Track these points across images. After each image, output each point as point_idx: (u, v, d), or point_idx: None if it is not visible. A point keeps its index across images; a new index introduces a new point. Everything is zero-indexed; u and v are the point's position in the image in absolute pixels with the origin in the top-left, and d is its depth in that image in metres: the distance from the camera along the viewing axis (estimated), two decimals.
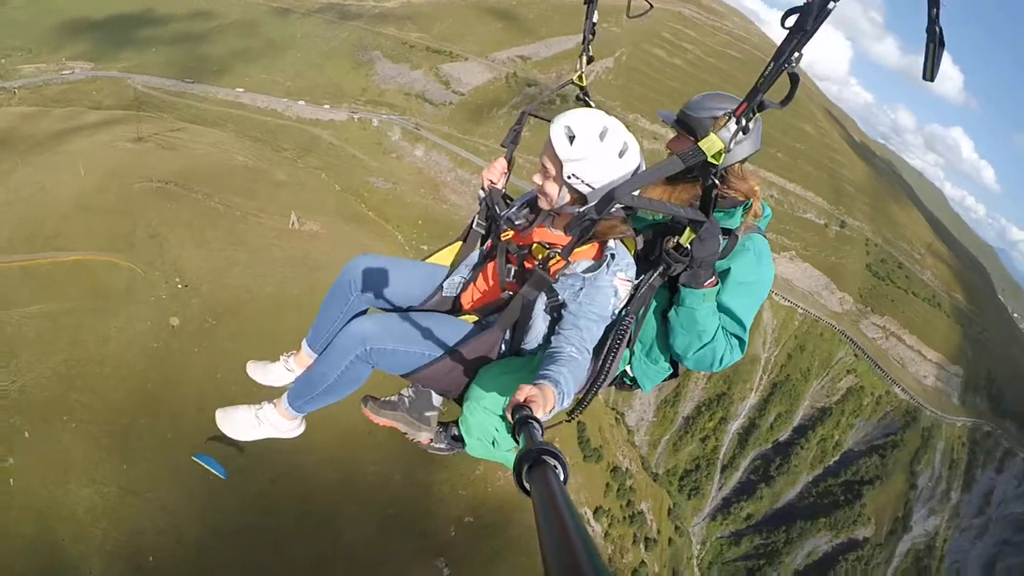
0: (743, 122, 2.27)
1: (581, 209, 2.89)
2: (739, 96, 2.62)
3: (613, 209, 2.75)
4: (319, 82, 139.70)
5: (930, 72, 1.97)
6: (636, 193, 2.75)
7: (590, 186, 2.86)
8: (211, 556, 40.28)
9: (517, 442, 1.75)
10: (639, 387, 3.51)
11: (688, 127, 3.11)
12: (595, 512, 68.91)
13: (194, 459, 39.21)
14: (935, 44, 1.93)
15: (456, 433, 3.46)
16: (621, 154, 2.84)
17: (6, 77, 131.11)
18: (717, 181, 2.47)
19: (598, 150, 2.81)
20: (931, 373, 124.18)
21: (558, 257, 2.85)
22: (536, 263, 2.93)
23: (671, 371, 3.42)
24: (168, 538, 39.95)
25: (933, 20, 1.92)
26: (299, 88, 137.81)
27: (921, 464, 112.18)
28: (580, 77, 3.54)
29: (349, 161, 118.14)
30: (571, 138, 2.82)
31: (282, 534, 43.00)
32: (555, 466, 1.32)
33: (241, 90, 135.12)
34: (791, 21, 2.03)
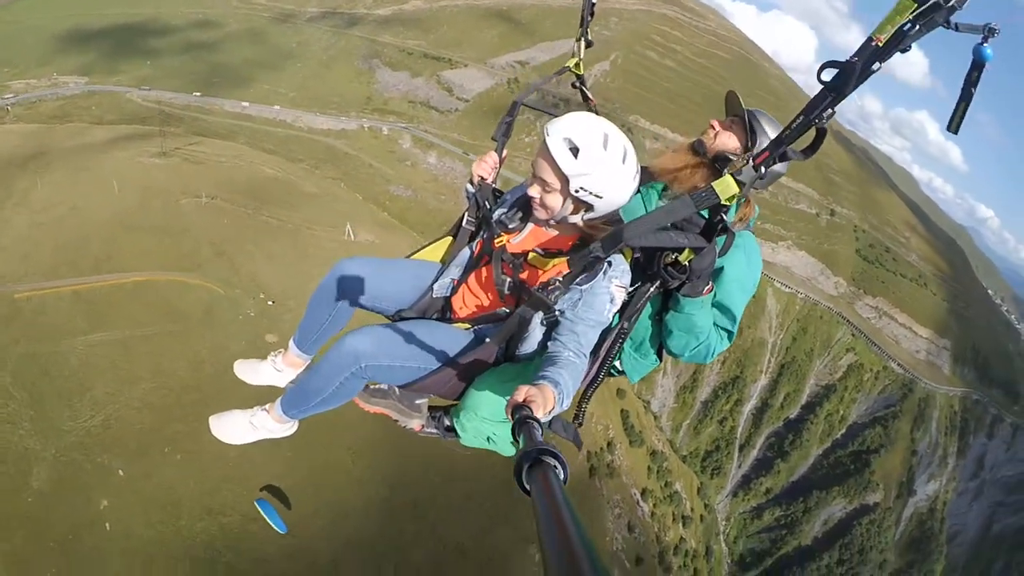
0: (762, 170, 2.26)
1: (598, 211, 2.84)
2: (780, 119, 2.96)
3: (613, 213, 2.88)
4: (322, 92, 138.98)
5: (956, 127, 1.95)
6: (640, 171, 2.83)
7: (599, 196, 2.76)
8: (346, 570, 39.38)
9: (517, 442, 1.71)
10: (625, 377, 3.50)
11: (751, 127, 3.12)
12: (642, 493, 71.98)
13: (256, 505, 37.57)
14: (967, 103, 1.92)
15: (448, 424, 3.40)
16: (624, 159, 2.75)
17: None
18: (725, 219, 2.45)
19: (603, 160, 2.71)
20: (922, 348, 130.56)
21: (558, 284, 2.68)
22: (536, 287, 2.83)
23: (658, 363, 3.42)
24: (299, 563, 38.16)
25: (972, 83, 1.90)
26: (303, 99, 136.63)
27: (919, 432, 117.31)
28: (578, 65, 3.47)
29: (366, 170, 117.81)
30: (574, 150, 2.71)
31: (403, 542, 42.78)
32: (555, 466, 1.31)
33: (246, 104, 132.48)
34: (828, 75, 1.99)
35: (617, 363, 3.35)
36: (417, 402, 3.39)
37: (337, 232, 70.72)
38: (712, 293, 3.01)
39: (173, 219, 59.41)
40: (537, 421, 1.79)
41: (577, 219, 2.91)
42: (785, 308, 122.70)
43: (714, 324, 3.10)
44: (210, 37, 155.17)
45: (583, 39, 3.38)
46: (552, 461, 1.31)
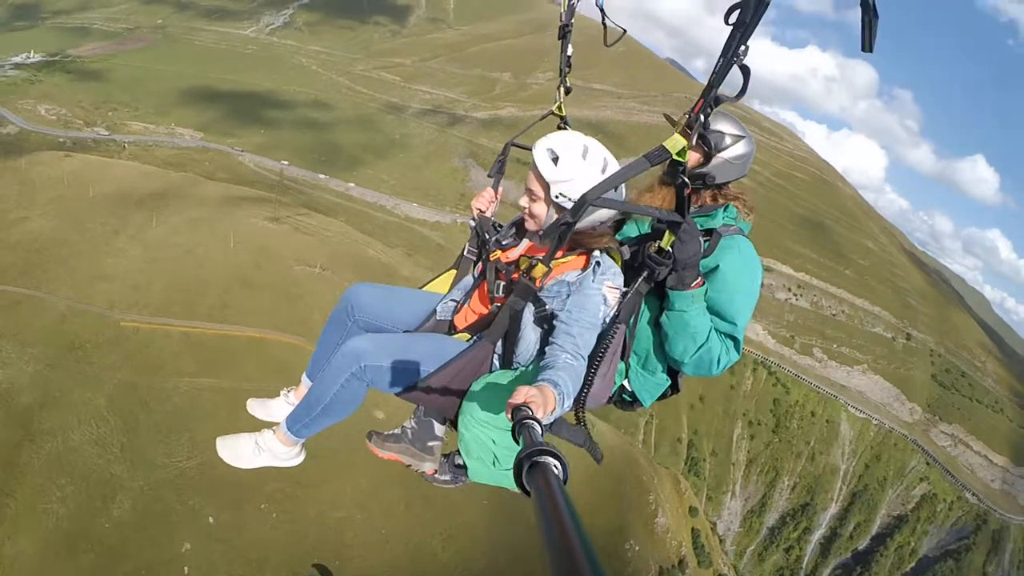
0: (701, 118, 2.36)
1: (557, 218, 2.89)
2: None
3: (601, 222, 2.99)
4: (421, 183, 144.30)
5: (868, 43, 1.96)
6: (625, 197, 2.93)
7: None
8: None
9: (517, 443, 1.69)
10: (639, 403, 3.40)
11: (700, 135, 2.97)
12: None
13: None
14: (870, 16, 1.92)
15: (459, 461, 3.42)
16: (603, 170, 2.83)
17: (115, 130, 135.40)
18: (687, 180, 2.50)
19: (582, 168, 2.81)
20: (998, 476, 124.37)
21: (540, 264, 2.79)
22: (520, 274, 2.92)
23: (669, 382, 3.36)
24: None
25: None
26: (403, 187, 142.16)
27: (992, 565, 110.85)
28: (560, 108, 3.63)
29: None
30: (555, 159, 2.85)
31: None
32: (555, 466, 1.28)
33: (352, 185, 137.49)
34: (734, 17, 2.09)
35: (626, 383, 3.29)
36: (429, 444, 3.42)
37: None
38: (703, 290, 2.97)
39: (288, 283, 59.04)
40: (538, 422, 1.80)
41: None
42: (859, 434, 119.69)
43: (716, 331, 3.05)
44: (322, 117, 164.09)
45: (562, 86, 3.59)
46: (552, 461, 1.30)
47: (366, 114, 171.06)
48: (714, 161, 3.20)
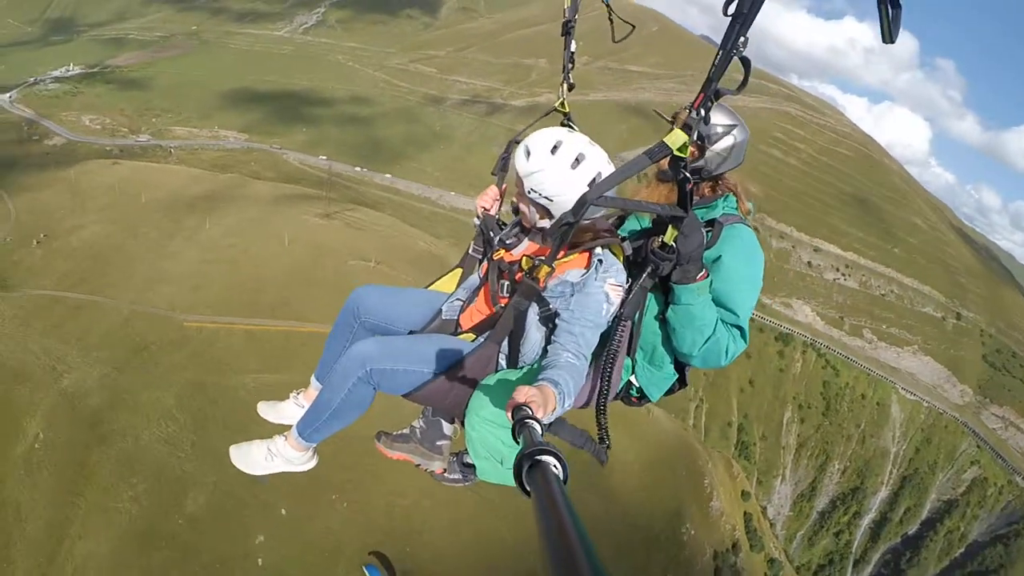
0: (702, 112, 2.32)
1: (557, 216, 2.91)
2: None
3: (597, 214, 2.96)
4: (464, 173, 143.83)
5: (888, 35, 1.94)
6: (613, 194, 2.74)
7: (549, 199, 2.88)
8: None
9: (517, 443, 1.70)
10: (647, 399, 3.38)
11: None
12: None
13: (364, 570, 35.96)
14: (886, 4, 1.91)
15: (468, 460, 3.42)
16: (574, 165, 2.81)
17: (160, 136, 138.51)
18: (688, 175, 2.48)
19: (550, 162, 2.82)
20: None
21: (544, 265, 2.77)
22: (524, 274, 2.88)
23: (676, 376, 3.33)
24: None
25: None
26: (447, 178, 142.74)
27: None
28: (563, 104, 3.62)
29: None
30: (527, 154, 2.88)
31: None
32: (555, 466, 1.28)
33: (389, 176, 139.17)
34: (732, 8, 2.07)
35: (632, 379, 3.28)
36: (438, 443, 3.44)
37: None
38: (708, 281, 2.95)
39: (344, 278, 58.59)
40: (538, 421, 1.81)
41: (545, 224, 3.03)
42: (910, 417, 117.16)
43: (722, 321, 3.02)
44: (362, 112, 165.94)
45: (565, 83, 3.57)
46: (552, 461, 1.29)
47: (406, 107, 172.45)
48: (708, 154, 3.16)
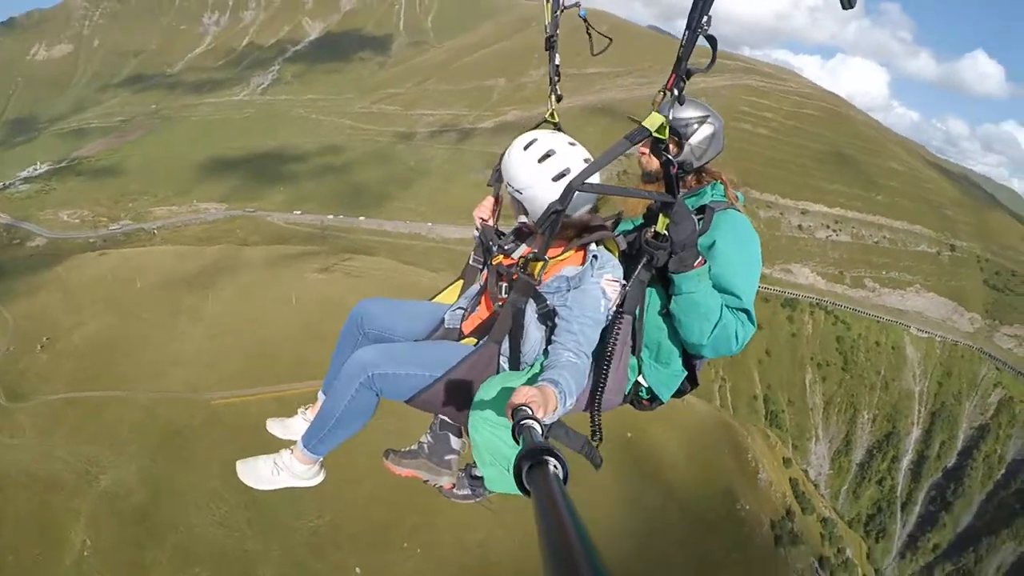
0: (675, 92, 2.39)
1: (531, 210, 2.95)
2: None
3: (584, 207, 2.96)
4: (449, 204, 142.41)
5: (847, 2, 1.99)
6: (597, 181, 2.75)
7: (519, 191, 2.91)
8: None
9: (518, 444, 1.69)
10: (659, 401, 3.32)
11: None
12: (819, 561, 69.56)
13: None
14: None
15: (476, 473, 3.39)
16: (542, 159, 2.85)
17: (140, 219, 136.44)
18: (671, 157, 2.53)
19: (521, 157, 2.87)
20: None
21: (535, 259, 2.79)
22: (518, 270, 2.90)
23: (686, 374, 3.29)
24: None
25: None
26: (432, 212, 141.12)
27: None
28: (552, 114, 3.63)
29: None
30: (507, 152, 2.96)
31: None
32: (555, 466, 1.27)
33: (363, 218, 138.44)
34: None
35: (640, 379, 3.22)
36: (447, 458, 3.40)
37: None
38: (706, 267, 2.92)
39: None
40: (538, 422, 1.78)
41: (526, 220, 3.07)
42: (926, 354, 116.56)
43: (727, 307, 2.98)
44: (336, 161, 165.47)
45: (553, 95, 3.61)
46: (552, 461, 1.28)
47: (377, 149, 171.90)
48: (686, 148, 3.18)
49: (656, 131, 2.41)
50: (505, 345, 2.95)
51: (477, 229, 3.54)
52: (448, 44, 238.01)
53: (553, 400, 2.19)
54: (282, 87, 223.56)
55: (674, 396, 3.37)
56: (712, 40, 2.22)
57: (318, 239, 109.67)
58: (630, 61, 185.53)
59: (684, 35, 2.18)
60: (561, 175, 2.81)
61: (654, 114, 2.41)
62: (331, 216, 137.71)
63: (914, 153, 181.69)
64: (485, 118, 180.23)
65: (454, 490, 3.53)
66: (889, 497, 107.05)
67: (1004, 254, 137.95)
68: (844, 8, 2.01)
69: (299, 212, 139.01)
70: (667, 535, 46.56)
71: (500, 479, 2.78)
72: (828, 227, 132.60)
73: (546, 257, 2.81)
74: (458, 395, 2.90)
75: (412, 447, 3.50)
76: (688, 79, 2.36)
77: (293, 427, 3.75)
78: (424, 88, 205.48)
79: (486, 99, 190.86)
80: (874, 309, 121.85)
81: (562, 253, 2.96)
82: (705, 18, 2.10)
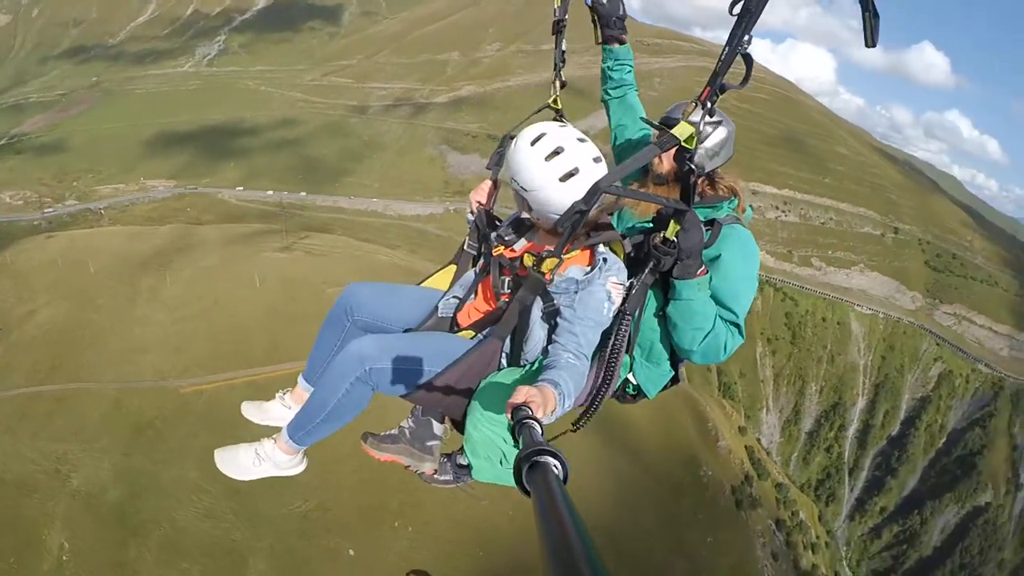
0: (708, 105, 2.36)
1: (535, 208, 2.86)
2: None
3: (596, 206, 2.79)
4: (403, 179, 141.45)
5: (871, 39, 2.07)
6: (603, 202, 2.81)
7: (524, 189, 2.81)
8: None
9: (517, 443, 1.67)
10: (644, 395, 3.35)
11: (671, 127, 2.81)
12: (776, 523, 71.28)
13: None
14: (870, 13, 2.03)
15: (461, 461, 3.37)
16: (550, 157, 2.74)
17: (86, 199, 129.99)
18: (693, 167, 2.56)
19: (528, 154, 2.77)
20: (1005, 345, 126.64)
21: (551, 257, 2.71)
22: (530, 267, 2.79)
23: (672, 374, 3.33)
24: None
25: None
26: (387, 187, 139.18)
27: (1017, 426, 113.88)
28: (555, 101, 3.62)
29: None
30: (513, 145, 2.88)
31: None
32: (555, 466, 1.26)
33: (304, 193, 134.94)
34: (738, 8, 2.13)
35: (630, 376, 3.26)
36: (428, 444, 3.32)
37: None
38: (708, 277, 2.93)
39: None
40: (538, 421, 1.79)
41: (530, 216, 2.98)
42: (870, 329, 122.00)
43: (721, 318, 3.01)
44: (288, 135, 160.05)
45: (558, 80, 3.61)
46: (552, 461, 1.28)
47: (331, 122, 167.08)
48: (700, 151, 3.06)
49: (685, 141, 2.45)
50: (506, 341, 2.90)
51: (472, 213, 3.49)
52: (401, 15, 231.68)
53: (553, 400, 2.15)
54: (229, 57, 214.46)
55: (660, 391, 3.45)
56: (748, 58, 2.23)
57: (273, 217, 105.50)
58: (587, 38, 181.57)
59: (723, 51, 2.21)
60: (569, 175, 2.75)
61: (684, 124, 2.44)
62: (286, 192, 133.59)
63: (860, 139, 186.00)
64: (439, 92, 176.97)
65: (435, 476, 3.44)
66: (837, 464, 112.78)
67: (945, 237, 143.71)
68: (867, 46, 2.12)
69: (244, 188, 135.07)
70: (639, 498, 48.05)
71: (490, 469, 2.75)
72: (777, 208, 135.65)
73: (562, 256, 2.78)
74: (456, 391, 2.84)
75: (392, 431, 3.39)
76: (722, 94, 2.39)
77: (271, 411, 3.62)
78: (376, 60, 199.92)
79: (440, 73, 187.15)
80: (821, 287, 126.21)
81: (569, 251, 2.90)
82: (747, 37, 2.15)
